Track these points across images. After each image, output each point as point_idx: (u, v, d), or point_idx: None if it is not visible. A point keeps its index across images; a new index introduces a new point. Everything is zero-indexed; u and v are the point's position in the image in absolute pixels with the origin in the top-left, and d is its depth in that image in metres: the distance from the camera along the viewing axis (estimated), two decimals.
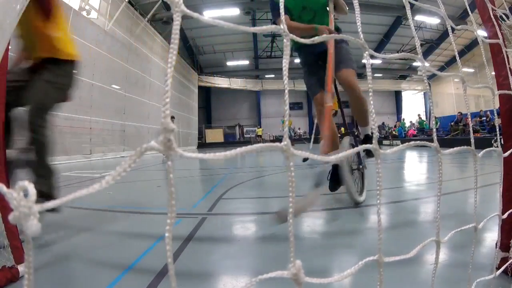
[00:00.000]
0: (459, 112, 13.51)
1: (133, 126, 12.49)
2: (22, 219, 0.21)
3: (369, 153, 2.24)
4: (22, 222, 0.21)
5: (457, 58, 0.76)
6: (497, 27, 0.99)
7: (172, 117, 11.79)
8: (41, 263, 1.19)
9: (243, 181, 3.55)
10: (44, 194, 1.53)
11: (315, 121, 6.05)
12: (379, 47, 19.73)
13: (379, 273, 0.46)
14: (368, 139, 2.26)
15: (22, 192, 0.22)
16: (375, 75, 24.13)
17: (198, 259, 1.22)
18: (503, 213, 0.88)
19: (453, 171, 4.05)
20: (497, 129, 0.94)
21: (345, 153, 0.45)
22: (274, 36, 18.52)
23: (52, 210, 1.37)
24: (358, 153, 2.28)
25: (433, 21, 16.24)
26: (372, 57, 0.48)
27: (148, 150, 0.27)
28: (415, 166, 5.11)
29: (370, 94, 0.47)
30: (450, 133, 12.99)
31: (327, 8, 2.01)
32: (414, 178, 3.50)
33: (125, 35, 11.74)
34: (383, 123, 19.06)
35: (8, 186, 0.27)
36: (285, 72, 0.37)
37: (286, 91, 0.37)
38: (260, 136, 21.70)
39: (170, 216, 0.28)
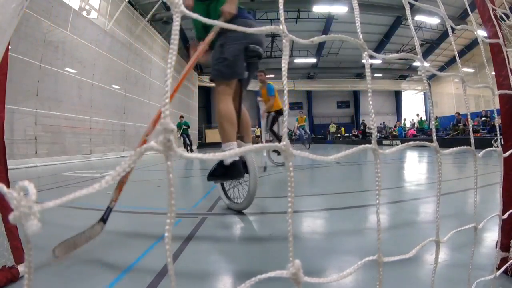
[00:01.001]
0: (456, 113, 13.54)
1: (133, 126, 12.50)
2: (23, 219, 0.21)
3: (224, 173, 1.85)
4: (22, 222, 0.21)
5: (457, 58, 0.76)
6: (497, 27, 0.99)
7: (181, 117, 11.77)
8: (41, 263, 1.19)
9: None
10: None
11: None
12: (379, 47, 19.74)
13: (379, 273, 0.46)
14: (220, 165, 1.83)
15: (22, 192, 0.22)
16: (375, 75, 24.14)
17: (198, 259, 1.22)
18: (503, 213, 0.88)
19: (453, 171, 4.05)
20: (497, 129, 0.94)
21: (350, 151, 0.45)
22: (274, 36, 18.53)
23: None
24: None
25: (433, 21, 16.25)
26: (371, 57, 0.48)
27: (148, 150, 0.27)
28: (415, 166, 5.11)
29: (370, 94, 0.47)
30: (449, 133, 13.01)
31: None
32: (414, 178, 3.50)
33: (125, 35, 11.74)
34: (383, 123, 18.93)
35: (8, 186, 0.27)
36: (284, 72, 0.37)
37: (285, 91, 0.38)
38: (259, 136, 21.73)
39: (170, 216, 0.28)
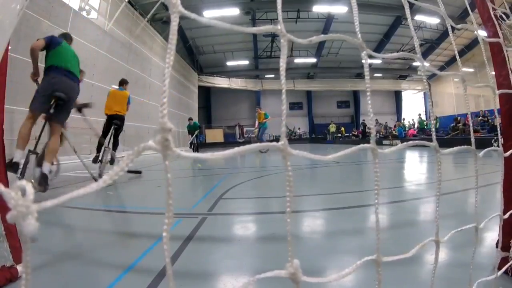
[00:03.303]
0: (455, 118, 13.70)
1: (133, 126, 12.47)
2: (20, 219, 0.21)
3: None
4: (20, 221, 0.21)
5: (457, 57, 0.76)
6: (497, 26, 0.99)
7: (190, 119, 11.82)
8: (41, 263, 1.19)
9: (243, 181, 3.55)
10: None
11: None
12: (379, 47, 19.71)
13: (377, 272, 0.46)
14: (43, 176, 2.49)
15: (20, 191, 0.22)
16: (375, 75, 24.12)
17: (198, 259, 1.22)
18: (504, 213, 0.88)
19: (454, 170, 4.05)
20: (498, 129, 0.94)
21: (349, 151, 0.45)
22: (274, 36, 18.50)
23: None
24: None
25: (433, 20, 16.23)
26: (371, 57, 0.48)
27: (146, 149, 0.27)
28: (415, 166, 5.11)
29: (368, 94, 0.47)
30: (449, 133, 13.02)
31: None
32: (414, 178, 3.50)
33: (125, 35, 11.73)
34: (376, 120, 18.22)
35: (7, 186, 0.27)
36: (283, 72, 0.37)
37: (284, 90, 0.37)
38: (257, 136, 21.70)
39: (168, 216, 0.28)
